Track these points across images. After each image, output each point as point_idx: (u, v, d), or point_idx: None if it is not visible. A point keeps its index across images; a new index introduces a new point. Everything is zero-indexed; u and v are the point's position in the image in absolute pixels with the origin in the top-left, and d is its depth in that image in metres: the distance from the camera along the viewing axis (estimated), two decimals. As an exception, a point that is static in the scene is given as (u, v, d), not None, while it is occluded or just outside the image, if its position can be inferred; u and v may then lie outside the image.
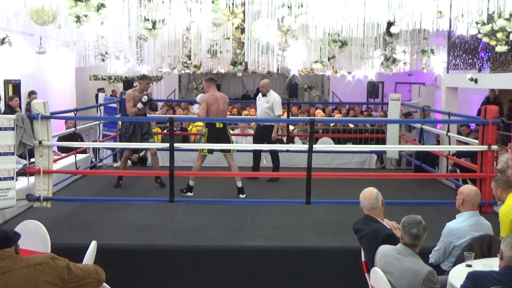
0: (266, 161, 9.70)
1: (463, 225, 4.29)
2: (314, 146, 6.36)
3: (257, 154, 8.54)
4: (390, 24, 6.51)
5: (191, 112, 8.16)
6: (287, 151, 9.19)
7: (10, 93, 11.56)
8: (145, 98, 7.48)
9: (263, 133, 8.36)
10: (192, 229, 5.87)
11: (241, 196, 7.13)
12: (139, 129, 7.53)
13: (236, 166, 7.28)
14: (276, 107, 8.23)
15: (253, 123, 10.49)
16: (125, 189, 7.67)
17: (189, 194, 7.18)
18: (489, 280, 3.18)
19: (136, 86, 7.95)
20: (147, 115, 7.95)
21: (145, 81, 7.73)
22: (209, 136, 7.10)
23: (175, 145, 6.35)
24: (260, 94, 8.51)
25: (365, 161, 10.29)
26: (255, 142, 8.61)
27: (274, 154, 8.39)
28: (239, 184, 7.17)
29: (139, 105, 7.48)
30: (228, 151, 7.18)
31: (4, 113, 8.34)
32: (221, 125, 7.08)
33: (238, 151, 9.40)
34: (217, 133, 7.09)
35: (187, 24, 8.58)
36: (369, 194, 4.30)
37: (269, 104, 8.25)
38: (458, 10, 5.99)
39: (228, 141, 7.23)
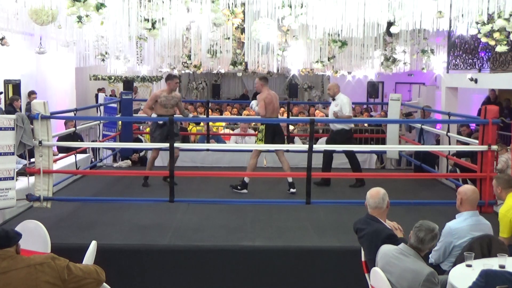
0: (266, 161, 9.71)
1: (463, 225, 4.29)
2: (314, 146, 6.37)
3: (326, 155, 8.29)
4: (390, 24, 6.50)
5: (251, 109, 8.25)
6: (287, 151, 9.20)
7: (10, 93, 11.56)
8: (163, 122, 7.36)
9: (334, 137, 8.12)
10: (192, 229, 5.87)
11: (292, 190, 7.30)
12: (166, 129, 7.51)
13: (287, 163, 7.48)
14: (254, 104, 7.81)
15: (253, 123, 10.51)
16: (125, 189, 7.67)
17: (244, 191, 7.35)
18: (502, 280, 3.17)
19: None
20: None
21: (174, 81, 7.74)
22: (266, 132, 7.39)
23: (175, 145, 6.37)
24: None
25: (365, 161, 10.27)
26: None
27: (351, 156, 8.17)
28: (290, 179, 7.40)
29: (153, 115, 7.53)
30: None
31: (7, 113, 8.31)
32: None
33: (237, 151, 9.46)
34: (274, 130, 7.39)
35: (187, 24, 8.57)
36: (376, 193, 4.29)
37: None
38: (458, 10, 5.99)
39: (283, 138, 7.68)
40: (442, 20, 6.25)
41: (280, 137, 7.53)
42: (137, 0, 6.15)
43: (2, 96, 10.54)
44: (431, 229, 3.64)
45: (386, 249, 3.84)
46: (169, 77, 7.88)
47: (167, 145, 6.36)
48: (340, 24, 6.38)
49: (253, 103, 7.67)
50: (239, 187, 7.38)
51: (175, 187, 6.23)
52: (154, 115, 7.56)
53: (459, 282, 3.47)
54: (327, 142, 8.40)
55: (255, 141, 7.96)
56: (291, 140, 10.14)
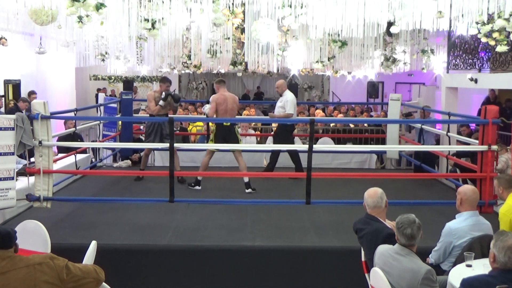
0: (266, 161, 9.70)
1: (462, 225, 4.29)
2: (314, 146, 6.38)
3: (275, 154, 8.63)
4: (390, 24, 6.50)
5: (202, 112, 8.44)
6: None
7: (10, 93, 11.56)
8: (163, 94, 7.79)
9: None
10: (192, 229, 5.87)
11: (246, 191, 7.40)
12: (160, 129, 7.76)
13: (244, 163, 7.59)
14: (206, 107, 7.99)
15: (253, 123, 10.52)
16: (125, 189, 7.67)
17: (197, 187, 7.52)
18: (484, 284, 3.14)
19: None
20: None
21: (165, 84, 7.99)
22: (216, 133, 7.46)
23: (175, 145, 6.36)
24: None
25: (365, 161, 10.27)
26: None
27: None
28: (246, 179, 7.48)
29: (161, 102, 7.78)
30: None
31: (10, 113, 8.33)
32: (228, 124, 7.44)
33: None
34: (224, 131, 7.42)
35: (187, 24, 8.57)
36: (374, 193, 4.31)
37: None
38: (458, 10, 5.99)
39: (236, 139, 7.57)
40: (442, 20, 6.25)
41: (233, 138, 7.54)
42: (137, 0, 6.15)
43: (3, 98, 10.55)
44: (412, 221, 3.66)
45: (382, 250, 3.84)
46: (162, 80, 8.16)
47: (167, 145, 6.37)
48: (340, 24, 6.39)
49: (206, 106, 7.85)
50: (193, 184, 7.59)
51: (175, 187, 6.24)
52: (162, 102, 7.78)
53: (459, 282, 3.47)
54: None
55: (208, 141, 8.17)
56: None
